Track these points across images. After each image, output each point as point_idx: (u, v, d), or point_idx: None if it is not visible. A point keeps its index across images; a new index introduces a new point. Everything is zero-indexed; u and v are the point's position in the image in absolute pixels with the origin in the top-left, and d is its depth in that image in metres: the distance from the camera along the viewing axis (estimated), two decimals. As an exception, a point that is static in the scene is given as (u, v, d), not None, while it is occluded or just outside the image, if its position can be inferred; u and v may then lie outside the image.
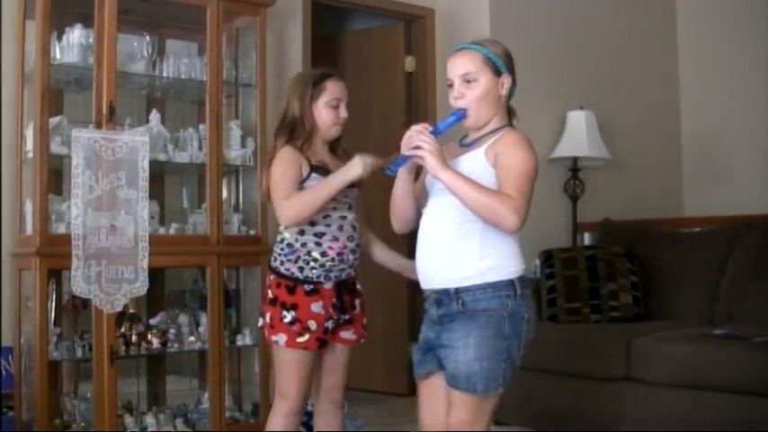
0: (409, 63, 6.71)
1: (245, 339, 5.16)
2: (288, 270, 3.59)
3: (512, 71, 3.31)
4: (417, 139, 2.93)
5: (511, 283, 3.01)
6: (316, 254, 3.56)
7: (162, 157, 4.94)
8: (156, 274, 4.84)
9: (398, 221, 3.27)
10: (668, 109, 7.53)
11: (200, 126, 5.11)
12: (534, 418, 5.34)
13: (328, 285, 3.59)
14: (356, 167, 3.44)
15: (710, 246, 5.64)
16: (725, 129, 7.21)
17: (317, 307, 3.56)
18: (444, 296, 3.00)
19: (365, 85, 6.90)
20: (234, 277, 5.36)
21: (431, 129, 2.98)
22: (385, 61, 6.82)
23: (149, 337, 4.85)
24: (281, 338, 3.56)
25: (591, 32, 7.02)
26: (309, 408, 4.00)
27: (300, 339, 3.55)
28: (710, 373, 4.45)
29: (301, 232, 3.58)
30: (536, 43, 6.65)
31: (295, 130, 3.64)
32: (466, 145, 3.12)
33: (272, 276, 3.65)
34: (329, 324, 3.60)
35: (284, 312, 3.55)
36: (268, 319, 3.61)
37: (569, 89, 6.74)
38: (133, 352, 4.79)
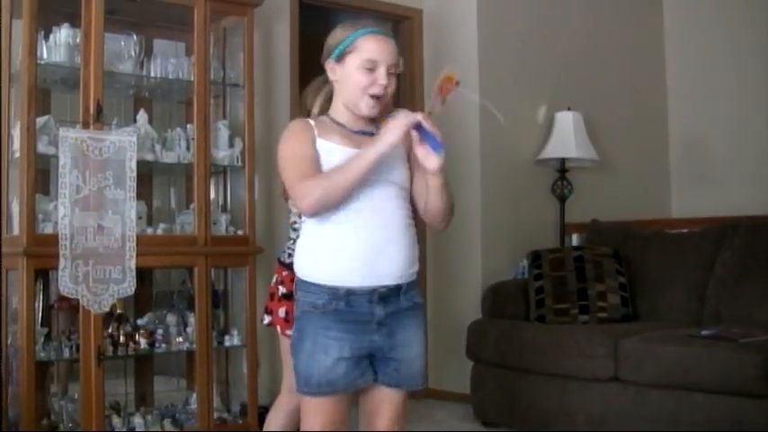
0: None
1: (232, 340, 5.15)
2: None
3: None
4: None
5: None
6: None
7: (149, 157, 4.93)
8: (143, 275, 4.85)
9: (432, 217, 2.96)
10: (656, 110, 7.55)
11: (188, 126, 5.10)
12: (521, 418, 5.34)
13: None
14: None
15: (698, 247, 5.66)
16: (712, 130, 7.23)
17: None
18: (393, 293, 2.82)
19: (353, 85, 6.89)
20: (222, 278, 5.36)
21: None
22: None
23: (137, 337, 4.83)
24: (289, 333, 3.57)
25: (578, 34, 7.03)
26: None
27: None
28: (698, 373, 4.45)
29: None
30: (524, 44, 6.65)
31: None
32: (367, 133, 2.91)
33: (284, 272, 3.68)
34: None
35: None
36: (282, 314, 3.63)
37: (557, 90, 6.75)
38: (121, 352, 4.78)
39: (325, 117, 2.94)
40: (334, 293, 2.77)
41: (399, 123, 2.73)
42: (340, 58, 2.89)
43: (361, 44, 2.86)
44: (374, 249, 2.78)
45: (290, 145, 2.84)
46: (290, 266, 3.67)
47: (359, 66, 2.85)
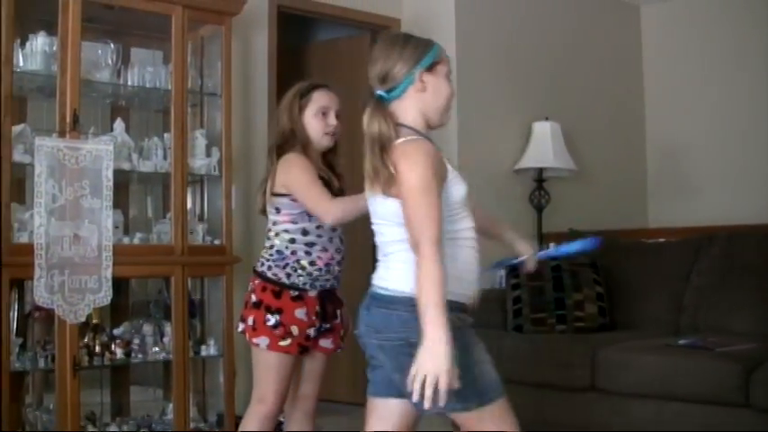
0: (375, 73, 6.68)
1: (209, 350, 5.13)
2: (275, 275, 3.65)
3: None
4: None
5: None
6: (305, 262, 3.64)
7: (126, 166, 4.90)
8: (120, 284, 4.81)
9: None
10: (633, 121, 7.58)
11: (165, 135, 5.08)
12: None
13: (312, 293, 3.66)
14: None
15: (675, 256, 5.68)
16: (690, 141, 7.27)
17: (300, 313, 3.62)
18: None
19: (331, 95, 6.88)
20: (198, 287, 5.33)
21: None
22: (351, 72, 6.79)
23: (113, 347, 4.81)
24: (264, 341, 3.61)
25: (557, 44, 7.05)
26: (281, 418, 4.00)
27: (283, 343, 3.60)
28: (675, 383, 4.47)
29: (292, 240, 3.65)
30: (502, 54, 6.67)
31: (288, 143, 3.71)
32: None
33: (257, 281, 3.70)
34: (311, 332, 3.66)
35: (268, 316, 3.61)
36: (251, 322, 3.65)
37: (535, 100, 6.76)
38: (97, 362, 4.75)
39: (415, 133, 2.87)
40: (465, 308, 2.92)
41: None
42: (431, 67, 2.90)
43: (442, 56, 2.95)
44: (475, 270, 2.93)
45: (430, 173, 2.74)
46: (261, 275, 3.69)
47: (446, 75, 2.94)
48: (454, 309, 2.76)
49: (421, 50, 2.90)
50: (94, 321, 4.76)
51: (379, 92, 2.90)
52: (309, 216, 3.63)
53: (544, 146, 6.49)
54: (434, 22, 6.51)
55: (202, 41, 5.41)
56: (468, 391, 2.78)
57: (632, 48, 7.66)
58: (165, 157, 5.02)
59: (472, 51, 6.47)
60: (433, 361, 2.55)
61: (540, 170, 6.54)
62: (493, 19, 6.65)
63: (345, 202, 3.59)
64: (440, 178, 2.79)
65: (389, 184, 2.76)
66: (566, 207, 6.81)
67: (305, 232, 3.64)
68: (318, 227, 3.64)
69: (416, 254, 2.67)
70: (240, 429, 3.75)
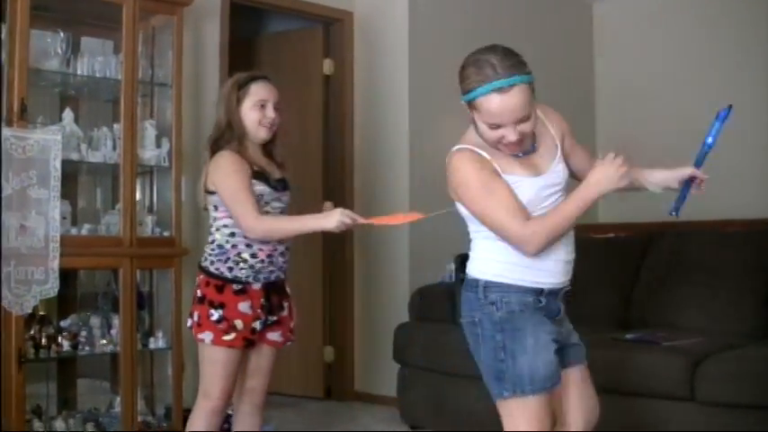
0: (327, 66, 6.68)
1: (157, 342, 5.10)
2: (218, 270, 3.63)
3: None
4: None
5: None
6: (246, 255, 3.62)
7: (75, 156, 4.86)
8: (67, 276, 4.77)
9: None
10: (583, 113, 7.60)
11: (115, 125, 5.03)
12: (448, 421, 5.36)
13: (257, 286, 3.64)
14: (330, 222, 3.45)
15: (624, 252, 5.72)
16: (639, 133, 7.30)
17: (244, 306, 3.60)
18: (558, 293, 3.09)
19: (282, 87, 6.80)
20: (147, 279, 5.30)
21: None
22: (303, 64, 6.79)
23: (60, 339, 4.76)
24: (208, 336, 3.59)
25: (508, 36, 6.97)
26: (230, 411, 3.98)
27: (226, 338, 3.58)
28: (622, 377, 4.49)
29: (232, 234, 3.63)
30: (453, 46, 6.64)
31: (224, 136, 3.69)
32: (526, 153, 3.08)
33: (201, 276, 3.69)
34: (257, 324, 3.64)
35: (212, 311, 3.59)
36: (196, 318, 3.64)
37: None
38: (43, 355, 4.70)
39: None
40: (539, 293, 3.00)
41: (618, 172, 3.04)
42: (470, 104, 2.97)
43: (484, 102, 2.91)
44: (555, 251, 3.02)
45: (482, 179, 2.98)
46: (205, 270, 3.68)
47: (486, 122, 2.93)
48: (524, 292, 2.98)
49: (467, 86, 3.00)
50: (41, 313, 4.70)
51: None
52: None
53: (496, 140, 6.49)
54: (388, 15, 6.52)
55: (154, 31, 5.37)
56: (504, 377, 2.96)
57: (583, 40, 7.69)
58: (114, 148, 4.98)
59: (425, 45, 6.47)
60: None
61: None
62: (446, 13, 6.65)
63: (273, 223, 3.62)
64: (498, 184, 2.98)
65: None
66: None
67: None
68: None
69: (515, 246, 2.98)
70: (188, 425, 3.73)
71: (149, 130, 5.16)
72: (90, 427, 4.87)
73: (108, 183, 5.33)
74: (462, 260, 5.79)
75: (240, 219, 3.54)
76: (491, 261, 3.03)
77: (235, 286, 3.60)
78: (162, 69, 5.29)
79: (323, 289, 6.64)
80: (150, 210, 5.32)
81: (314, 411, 6.09)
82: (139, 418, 4.98)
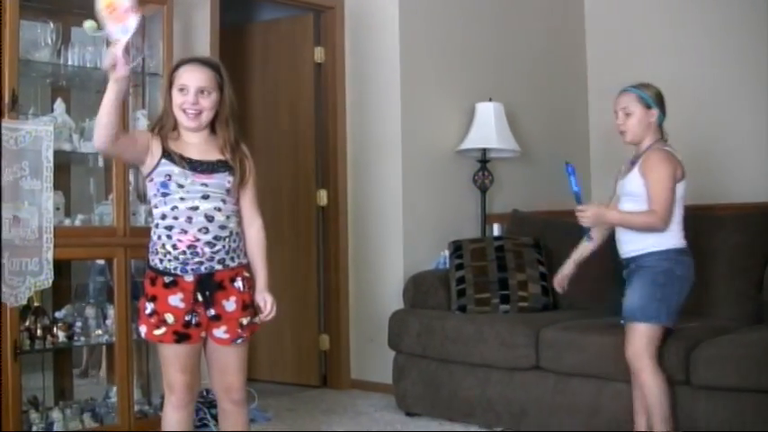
0: (318, 54, 6.66)
1: (153, 332, 5.09)
2: (152, 261, 3.57)
3: (661, 106, 4.61)
4: (581, 221, 4.45)
5: (665, 252, 4.31)
6: (168, 246, 3.52)
7: (67, 147, 4.85)
8: (61, 267, 4.77)
9: None
10: (576, 102, 7.62)
11: (107, 116, 5.01)
12: (444, 408, 5.37)
13: (189, 278, 3.52)
14: (105, 63, 3.35)
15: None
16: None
17: (174, 300, 3.51)
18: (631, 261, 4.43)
19: (273, 75, 6.86)
20: (141, 269, 5.28)
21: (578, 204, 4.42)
22: (293, 52, 6.78)
23: (55, 330, 4.75)
24: (143, 330, 3.57)
25: (501, 25, 7.07)
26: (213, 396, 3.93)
27: (157, 332, 3.52)
28: (617, 362, 4.50)
29: (157, 225, 3.56)
30: (445, 35, 6.67)
31: (161, 121, 3.64)
32: (632, 163, 4.53)
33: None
34: (192, 318, 3.53)
35: (147, 303, 3.54)
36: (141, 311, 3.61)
37: (478, 80, 6.78)
38: (38, 346, 4.69)
39: None
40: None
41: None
42: None
43: None
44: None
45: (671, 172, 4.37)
46: (147, 262, 3.63)
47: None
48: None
49: None
50: (36, 304, 4.69)
51: None
52: (165, 197, 3.51)
53: (487, 126, 6.49)
54: (378, 3, 6.51)
55: (144, 21, 5.34)
56: (668, 306, 4.23)
57: (576, 29, 7.69)
58: (106, 138, 4.96)
59: (415, 32, 6.47)
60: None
61: (484, 151, 6.55)
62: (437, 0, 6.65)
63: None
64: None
65: None
66: (509, 188, 6.85)
67: (163, 216, 3.52)
68: (174, 208, 3.50)
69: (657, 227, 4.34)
70: (162, 423, 3.68)
71: (141, 120, 5.15)
72: (87, 417, 4.87)
73: (101, 173, 5.31)
74: (456, 246, 5.83)
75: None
76: None
77: (165, 279, 3.51)
78: (152, 59, 5.27)
79: (317, 277, 6.64)
80: (143, 200, 5.31)
81: (310, 399, 6.09)
82: (136, 408, 4.98)
